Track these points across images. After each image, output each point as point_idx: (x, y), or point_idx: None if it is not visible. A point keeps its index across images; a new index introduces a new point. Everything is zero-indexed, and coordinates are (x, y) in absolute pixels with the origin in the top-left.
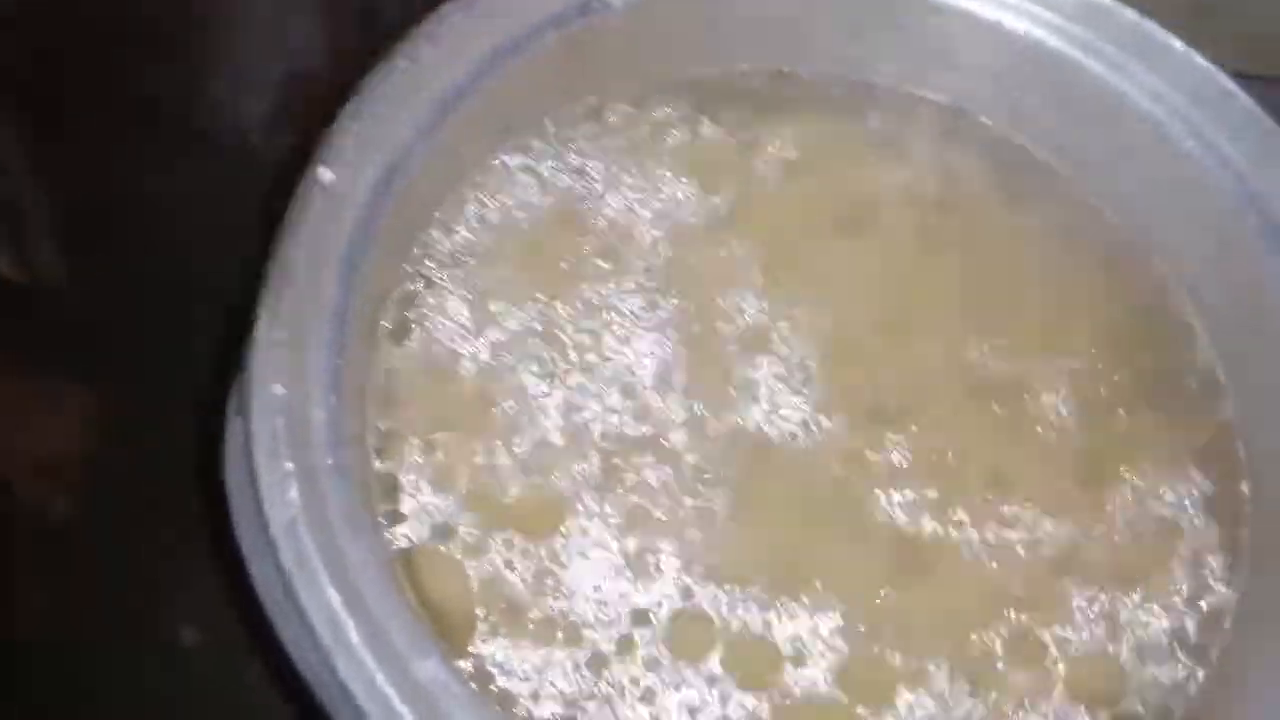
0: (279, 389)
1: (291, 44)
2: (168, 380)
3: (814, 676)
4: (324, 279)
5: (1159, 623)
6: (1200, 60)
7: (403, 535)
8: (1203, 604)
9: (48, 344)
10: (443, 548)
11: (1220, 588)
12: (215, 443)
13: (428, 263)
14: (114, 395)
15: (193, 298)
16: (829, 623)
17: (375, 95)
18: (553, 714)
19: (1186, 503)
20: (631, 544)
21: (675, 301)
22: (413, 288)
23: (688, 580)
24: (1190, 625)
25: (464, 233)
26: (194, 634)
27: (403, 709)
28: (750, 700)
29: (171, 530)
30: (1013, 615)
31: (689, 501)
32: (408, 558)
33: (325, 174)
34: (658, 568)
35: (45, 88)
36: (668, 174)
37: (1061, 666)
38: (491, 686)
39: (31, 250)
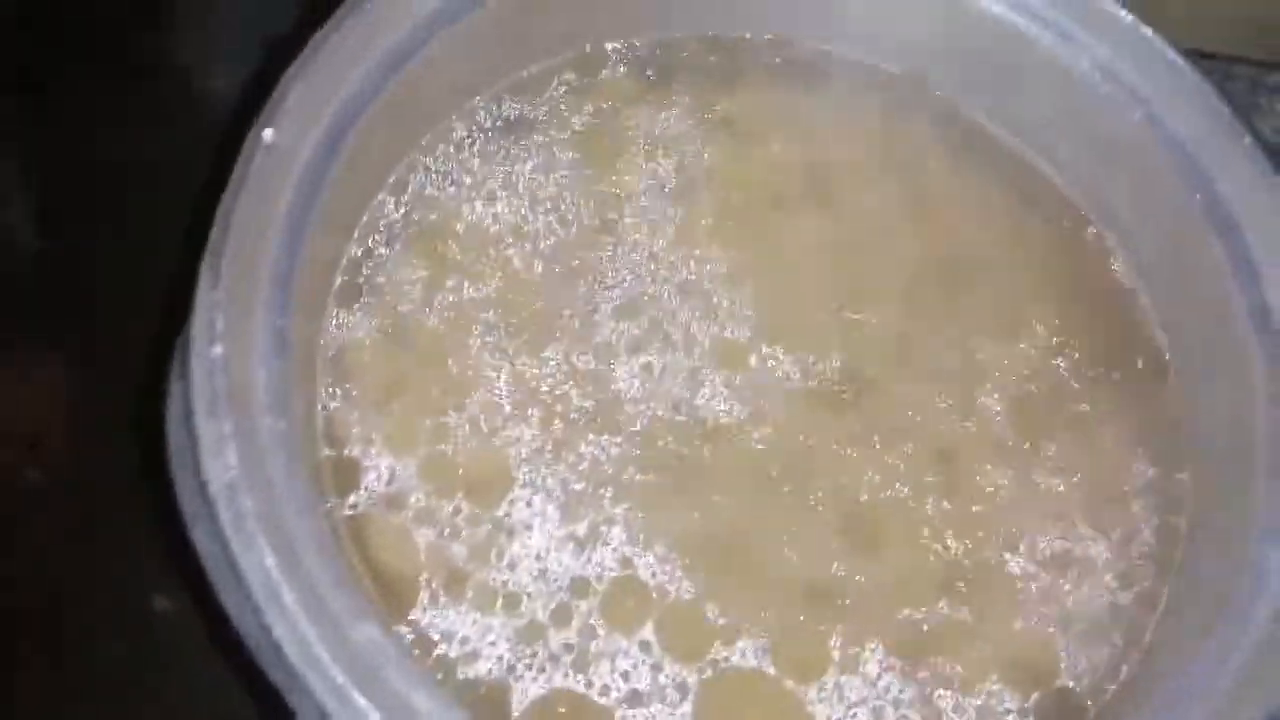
0: (218, 350)
1: (267, 10)
2: (138, 348)
3: (744, 649)
4: (267, 241)
5: (1096, 603)
6: (1149, 33)
7: (353, 501)
8: (1136, 589)
9: (17, 314)
10: (393, 514)
11: (1155, 572)
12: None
13: (379, 230)
14: (85, 364)
15: (165, 264)
16: (764, 597)
17: (320, 56)
18: (488, 672)
19: (1127, 488)
20: (575, 515)
21: (628, 276)
22: (360, 254)
23: (627, 552)
24: (1125, 605)
25: (415, 200)
26: (165, 601)
27: (335, 671)
28: (680, 670)
29: (142, 499)
30: (950, 594)
31: (634, 475)
32: (358, 523)
33: (268, 134)
34: (600, 539)
35: (28, 54)
36: (617, 145)
37: (995, 647)
38: (433, 652)
39: (10, 218)
